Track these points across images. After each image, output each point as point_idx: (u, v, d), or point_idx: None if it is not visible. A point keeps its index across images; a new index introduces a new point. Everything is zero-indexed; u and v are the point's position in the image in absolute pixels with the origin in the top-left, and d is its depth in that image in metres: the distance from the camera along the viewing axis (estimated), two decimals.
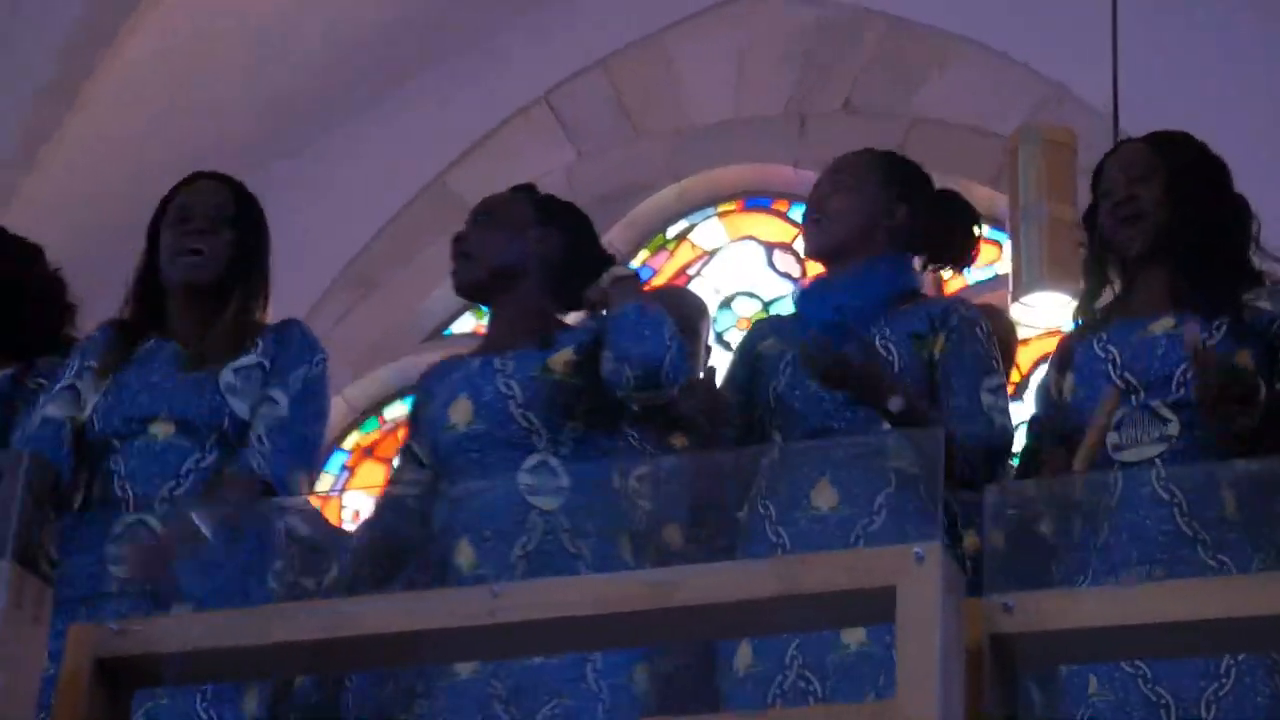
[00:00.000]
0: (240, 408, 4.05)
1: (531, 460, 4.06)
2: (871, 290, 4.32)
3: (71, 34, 8.45)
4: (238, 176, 4.49)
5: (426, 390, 4.28)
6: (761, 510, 4.10)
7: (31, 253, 4.53)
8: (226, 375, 4.05)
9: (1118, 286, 4.32)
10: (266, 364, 4.09)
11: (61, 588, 3.93)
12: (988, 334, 4.35)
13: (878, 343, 4.22)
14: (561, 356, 4.12)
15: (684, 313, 5.18)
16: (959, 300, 4.60)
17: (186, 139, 8.72)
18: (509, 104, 8.96)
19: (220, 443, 3.99)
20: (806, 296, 4.53)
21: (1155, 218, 4.21)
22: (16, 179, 8.58)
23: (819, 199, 4.40)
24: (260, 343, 4.12)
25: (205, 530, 3.80)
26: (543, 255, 4.33)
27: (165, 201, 4.31)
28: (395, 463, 4.46)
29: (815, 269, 8.28)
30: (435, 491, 4.15)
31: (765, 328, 4.57)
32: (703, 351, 5.15)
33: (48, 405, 4.11)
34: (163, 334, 4.14)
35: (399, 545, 4.12)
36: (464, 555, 3.99)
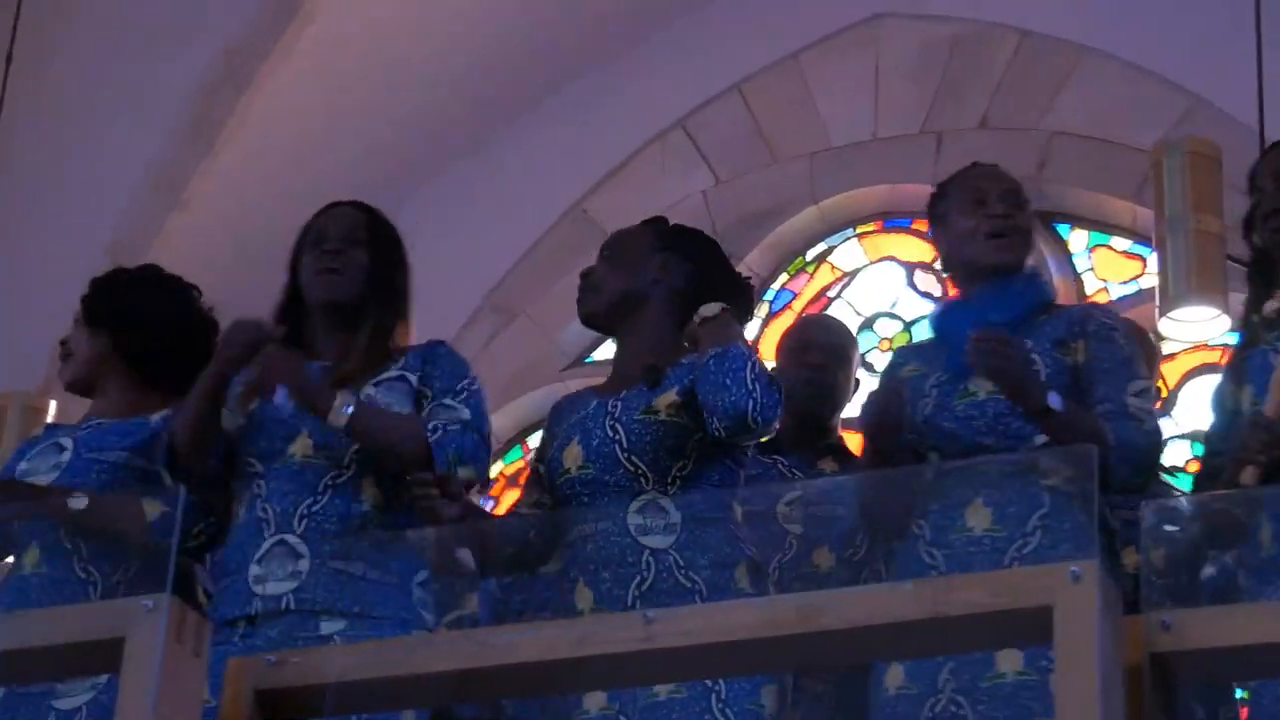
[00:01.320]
0: None
1: (639, 501, 4.04)
2: (1012, 304, 4.28)
3: (214, 70, 8.57)
4: (378, 206, 4.53)
5: (550, 429, 4.28)
6: (915, 531, 4.06)
7: (189, 292, 4.58)
8: (367, 390, 4.06)
9: None
10: (412, 378, 4.09)
11: (209, 611, 4.00)
12: (1128, 338, 4.30)
13: None
14: (666, 398, 4.09)
15: (832, 341, 5.16)
16: (1095, 306, 4.58)
17: (327, 173, 8.80)
18: (646, 130, 8.98)
19: (359, 458, 4.00)
20: (944, 318, 4.47)
21: None
22: (163, 215, 8.70)
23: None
24: (402, 359, 4.14)
25: (468, 563, 3.85)
26: (666, 283, 4.30)
27: (305, 229, 4.36)
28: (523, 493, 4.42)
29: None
30: (555, 531, 4.14)
31: (906, 354, 4.55)
32: (852, 380, 5.13)
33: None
34: (308, 356, 4.17)
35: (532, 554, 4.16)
36: (583, 598, 4.00)
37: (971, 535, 3.99)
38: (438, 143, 9.04)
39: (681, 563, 3.95)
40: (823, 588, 3.95)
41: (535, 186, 8.99)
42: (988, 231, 4.32)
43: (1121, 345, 4.24)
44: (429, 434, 4.00)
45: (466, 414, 4.07)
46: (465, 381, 4.14)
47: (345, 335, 4.16)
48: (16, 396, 6.56)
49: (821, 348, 5.11)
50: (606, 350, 8.89)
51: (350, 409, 3.95)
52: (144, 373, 4.39)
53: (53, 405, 6.53)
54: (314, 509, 3.99)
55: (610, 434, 4.07)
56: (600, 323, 4.38)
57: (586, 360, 8.97)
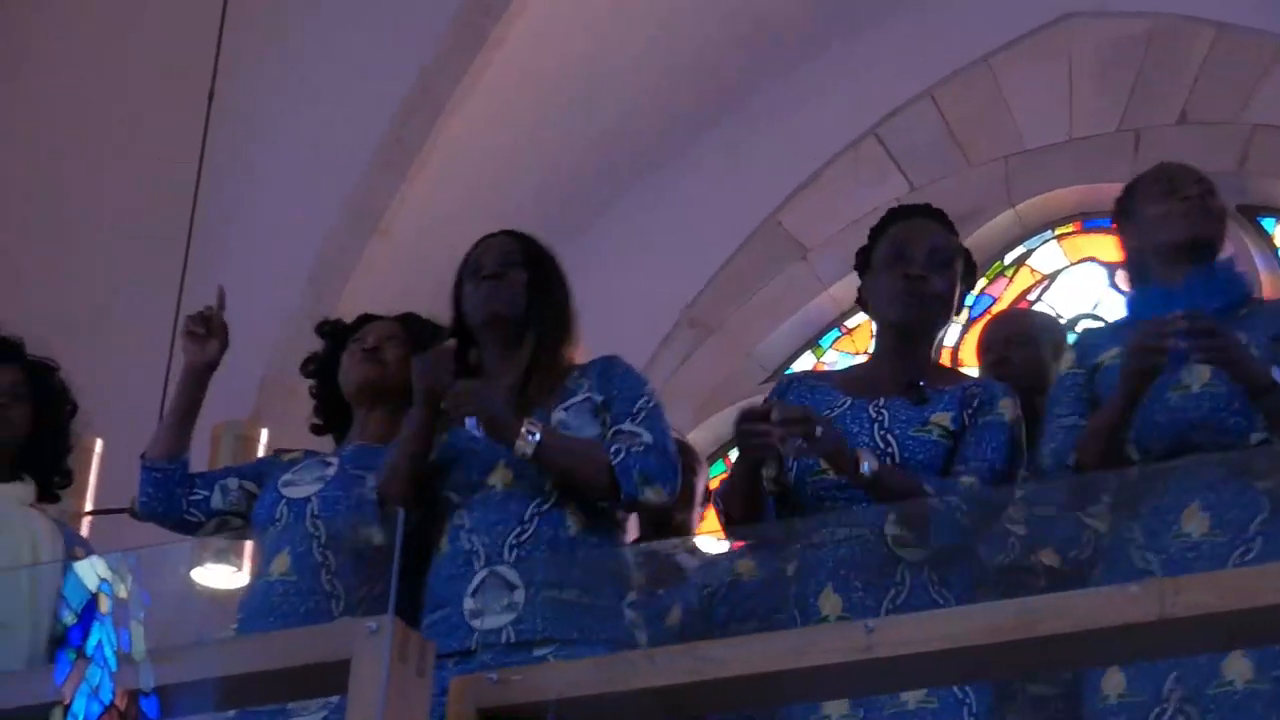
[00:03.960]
0: None
1: (896, 511, 3.99)
2: (1217, 291, 4.15)
3: (408, 97, 8.67)
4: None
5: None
6: (1126, 534, 3.97)
7: (441, 334, 4.64)
8: (558, 414, 4.07)
9: None
10: (596, 399, 4.10)
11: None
12: None
13: None
14: (940, 418, 4.02)
15: (1009, 333, 5.08)
16: None
17: (522, 193, 8.88)
18: (838, 139, 8.95)
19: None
20: (1145, 303, 4.26)
21: None
22: (362, 242, 8.81)
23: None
24: (584, 380, 4.15)
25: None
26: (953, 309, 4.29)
27: (463, 263, 4.40)
28: None
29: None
30: (793, 538, 4.09)
31: (1100, 338, 4.30)
32: (1050, 360, 5.04)
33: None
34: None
35: None
36: (829, 603, 3.91)
37: (1188, 540, 3.90)
38: (630, 160, 9.07)
39: (936, 579, 3.89)
40: (1048, 590, 3.87)
41: (728, 200, 9.00)
42: (1182, 211, 4.21)
43: None
44: (611, 457, 4.01)
45: (648, 436, 4.06)
46: (642, 400, 4.13)
47: (512, 353, 4.19)
48: (229, 426, 6.66)
49: (1001, 341, 5.04)
50: (804, 362, 8.88)
51: (537, 437, 3.97)
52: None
53: (264, 434, 6.63)
54: (523, 538, 4.01)
55: (881, 444, 3.99)
56: (916, 328, 4.24)
57: (786, 373, 8.95)
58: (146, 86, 8.62)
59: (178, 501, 4.46)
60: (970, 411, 4.04)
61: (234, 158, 8.28)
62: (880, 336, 4.28)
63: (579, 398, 4.12)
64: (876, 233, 4.26)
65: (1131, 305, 4.31)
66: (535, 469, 4.03)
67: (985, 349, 5.08)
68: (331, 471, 4.35)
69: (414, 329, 4.61)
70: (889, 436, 4.00)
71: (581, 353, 4.30)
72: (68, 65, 8.75)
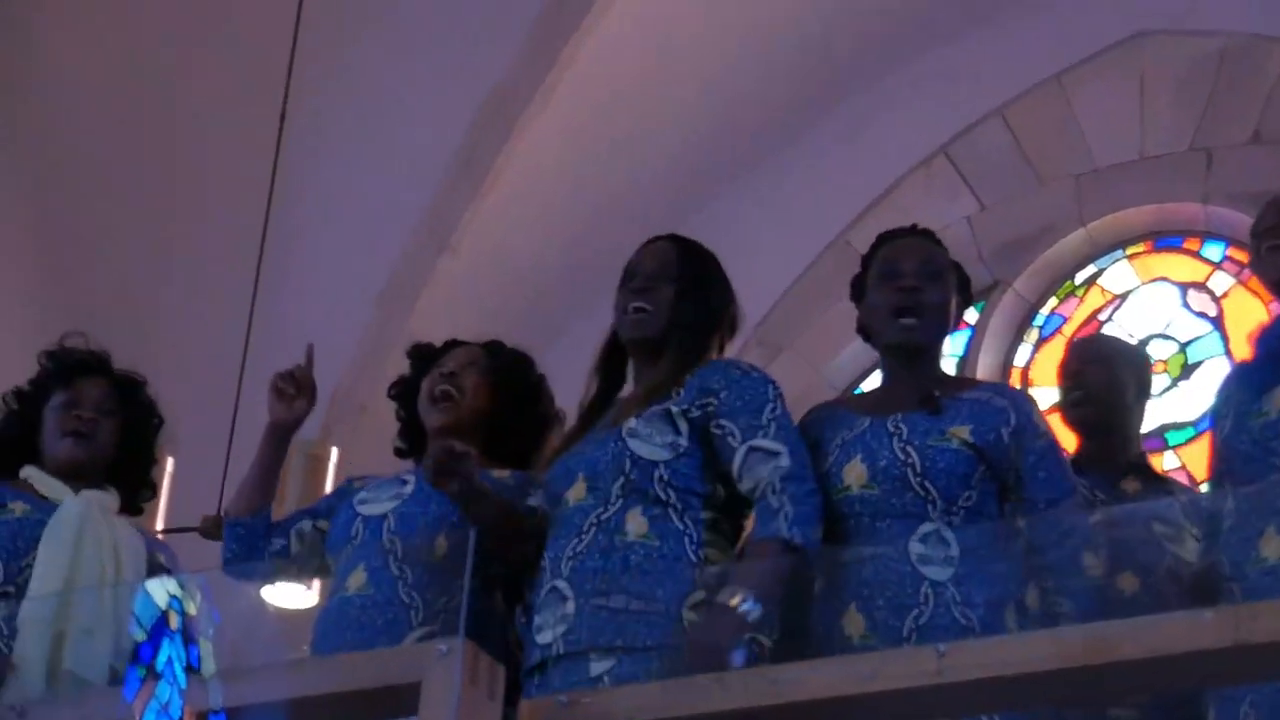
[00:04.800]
0: (642, 448, 4.00)
1: (924, 529, 3.98)
2: None
3: (477, 121, 8.70)
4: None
5: (812, 441, 4.16)
6: (1219, 568, 3.92)
7: (525, 364, 4.65)
8: (631, 422, 4.05)
9: None
10: (676, 408, 4.03)
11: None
12: None
13: None
14: (959, 430, 4.01)
15: (1092, 359, 5.07)
16: None
17: (591, 212, 8.91)
18: (908, 158, 8.94)
19: (625, 491, 3.97)
20: (1270, 336, 4.19)
21: None
22: (433, 260, 8.84)
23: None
24: (682, 390, 4.10)
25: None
26: (955, 319, 4.30)
27: (626, 266, 4.38)
28: None
29: (1236, 308, 8.12)
30: (819, 557, 4.06)
31: (1228, 377, 4.28)
32: (1131, 389, 5.03)
33: (535, 495, 4.25)
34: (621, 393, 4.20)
35: None
36: (853, 624, 3.88)
37: (1265, 566, 3.87)
38: (699, 179, 9.08)
39: (959, 598, 3.87)
40: (1129, 614, 3.83)
41: (797, 219, 8.99)
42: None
43: None
44: (788, 536, 3.83)
45: (785, 458, 3.94)
46: (769, 407, 4.02)
47: (654, 369, 4.17)
48: (299, 445, 6.68)
49: (1075, 360, 5.04)
50: (874, 382, 8.84)
51: (757, 611, 3.85)
52: (495, 448, 4.48)
53: (334, 452, 6.65)
54: (578, 550, 3.99)
55: (901, 456, 3.97)
56: (917, 345, 4.25)
57: (855, 392, 8.93)
58: (219, 107, 8.68)
59: (259, 554, 4.47)
60: (1009, 431, 4.01)
61: (305, 177, 8.32)
62: (885, 360, 4.27)
63: (658, 406, 4.08)
64: (867, 259, 4.27)
65: (1258, 341, 4.27)
66: (608, 476, 4.01)
67: (1064, 364, 5.09)
68: (409, 490, 4.35)
69: (498, 358, 4.60)
70: (909, 449, 3.99)
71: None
72: (141, 87, 8.81)
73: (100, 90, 8.82)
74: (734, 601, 3.70)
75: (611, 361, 4.26)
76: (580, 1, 8.46)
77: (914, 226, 4.35)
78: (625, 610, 3.86)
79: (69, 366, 4.80)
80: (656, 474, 3.98)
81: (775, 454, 3.94)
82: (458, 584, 4.06)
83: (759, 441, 3.95)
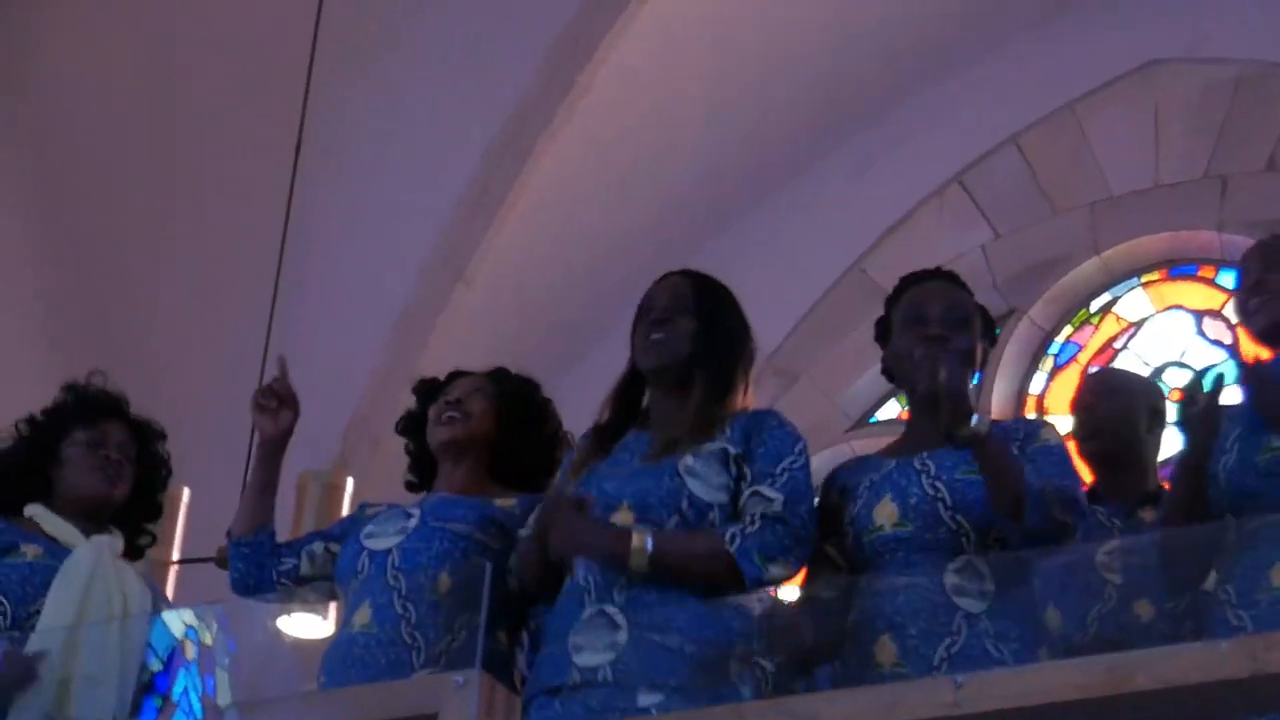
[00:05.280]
0: (700, 489, 4.02)
1: (958, 561, 3.99)
2: None
3: (492, 150, 8.71)
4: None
5: (836, 495, 4.19)
6: (1222, 595, 3.93)
7: (530, 387, 4.65)
8: (686, 459, 4.06)
9: None
10: (732, 450, 4.07)
11: (530, 679, 4.02)
12: None
13: None
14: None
15: (1113, 390, 5.08)
16: None
17: (606, 243, 8.92)
18: (923, 187, 8.94)
19: (680, 525, 4.01)
20: (1259, 370, 4.09)
21: None
22: (449, 289, 8.85)
23: None
24: (729, 429, 4.12)
25: None
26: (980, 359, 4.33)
27: (641, 303, 4.40)
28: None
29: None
30: (854, 591, 4.07)
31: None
32: (1148, 422, 5.04)
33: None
34: (642, 428, 4.19)
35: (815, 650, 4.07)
36: (885, 652, 3.89)
37: (1277, 594, 3.86)
38: (714, 208, 9.09)
39: (993, 632, 3.88)
40: (1145, 640, 3.82)
41: (813, 247, 8.99)
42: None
43: None
44: (728, 544, 3.96)
45: (779, 504, 3.98)
46: (788, 460, 4.06)
47: (677, 402, 4.18)
48: (314, 475, 6.68)
49: (1091, 392, 5.06)
50: (889, 410, 8.85)
51: (650, 547, 3.94)
52: (501, 472, 4.48)
53: (350, 482, 6.65)
54: (634, 579, 3.99)
55: (931, 491, 4.00)
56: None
57: (870, 420, 8.93)
58: (234, 136, 8.69)
59: (268, 573, 4.48)
60: (1017, 445, 4.04)
61: (320, 207, 8.33)
62: (912, 405, 4.29)
63: (714, 445, 4.09)
64: (891, 302, 4.29)
65: (1241, 372, 4.25)
66: (660, 511, 4.02)
67: (1077, 399, 5.10)
68: (413, 524, 4.35)
69: (503, 384, 4.61)
70: (937, 483, 4.01)
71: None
72: (156, 118, 8.83)
73: (113, 123, 8.84)
74: (636, 536, 3.91)
75: (628, 394, 4.27)
76: (595, 32, 8.48)
77: (938, 269, 4.36)
78: (680, 651, 3.88)
79: (93, 405, 4.80)
80: (711, 516, 4.01)
81: (770, 499, 3.98)
82: (460, 621, 4.07)
83: (762, 487, 4.01)
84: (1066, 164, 8.71)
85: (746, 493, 4.01)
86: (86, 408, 4.79)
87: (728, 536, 3.95)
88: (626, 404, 4.28)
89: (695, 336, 4.19)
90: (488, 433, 4.49)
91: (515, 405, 4.56)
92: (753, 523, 3.96)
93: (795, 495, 4.00)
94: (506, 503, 4.36)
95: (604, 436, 4.23)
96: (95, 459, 4.69)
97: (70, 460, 4.71)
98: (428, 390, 4.69)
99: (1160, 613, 4.25)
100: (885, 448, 4.31)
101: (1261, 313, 4.18)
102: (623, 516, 4.03)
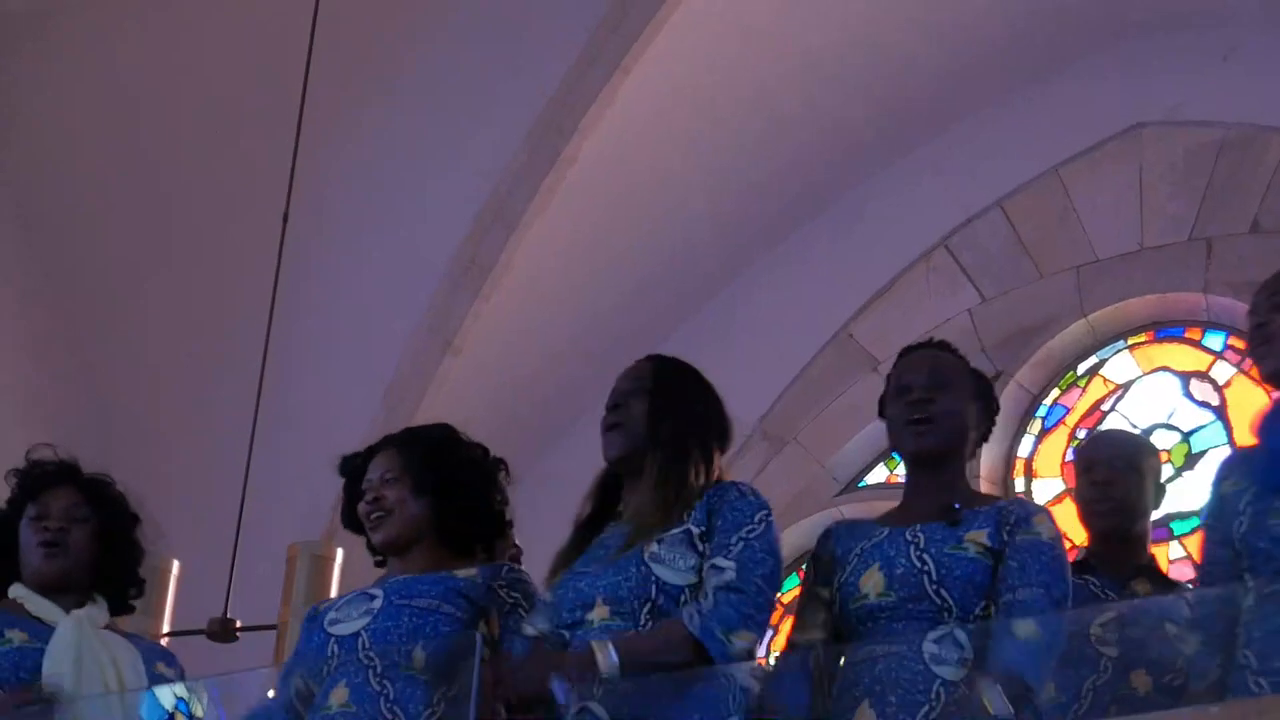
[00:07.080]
0: (668, 574, 4.01)
1: (938, 631, 3.99)
2: None
3: (480, 220, 8.74)
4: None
5: (828, 555, 4.18)
6: (1242, 661, 3.92)
7: (480, 453, 4.60)
8: (652, 546, 4.05)
9: None
10: (695, 530, 4.06)
11: None
12: None
13: None
14: (976, 536, 4.03)
15: (1115, 454, 5.07)
16: None
17: (594, 311, 8.93)
18: (909, 251, 8.97)
19: (654, 615, 3.99)
20: (1272, 427, 4.15)
21: None
22: (437, 359, 8.85)
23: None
24: (696, 509, 4.11)
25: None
26: (981, 431, 4.34)
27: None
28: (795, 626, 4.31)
29: (1239, 397, 8.11)
30: (835, 658, 4.07)
31: (1228, 466, 4.23)
32: (1150, 489, 5.04)
33: (532, 620, 4.20)
34: (618, 518, 4.19)
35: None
36: (864, 719, 3.94)
37: None
38: (702, 275, 9.12)
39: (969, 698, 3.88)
40: (1140, 713, 3.81)
41: (800, 312, 9.01)
42: None
43: None
44: (689, 626, 3.96)
45: (731, 572, 3.98)
46: (745, 530, 4.06)
47: (635, 489, 4.18)
48: (305, 546, 6.66)
49: (1105, 463, 5.06)
50: (878, 475, 8.85)
51: (614, 656, 3.93)
52: (452, 542, 4.43)
53: (339, 554, 6.63)
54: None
55: (918, 564, 4.01)
56: (935, 457, 4.28)
57: (859, 485, 8.93)
58: (221, 209, 8.72)
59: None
60: (1008, 529, 4.04)
61: (308, 278, 8.34)
62: (909, 472, 4.32)
63: (678, 529, 4.09)
64: (889, 376, 4.35)
65: (1261, 430, 4.23)
66: (633, 600, 4.02)
67: (1088, 467, 5.08)
68: (378, 604, 4.29)
69: (412, 453, 4.47)
70: (925, 556, 4.03)
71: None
72: (146, 193, 8.85)
73: (105, 189, 8.86)
74: (599, 649, 3.86)
75: (606, 487, 4.28)
76: (580, 102, 8.52)
77: (930, 340, 4.41)
78: None
79: (34, 479, 4.78)
80: (682, 598, 4.01)
81: (722, 569, 3.98)
82: (439, 694, 4.05)
83: (718, 559, 4.01)
84: (1052, 227, 8.74)
85: (705, 566, 4.02)
86: (30, 483, 4.78)
87: (688, 618, 3.96)
88: (604, 497, 4.29)
89: (647, 420, 4.20)
90: (417, 518, 4.40)
91: (432, 480, 4.44)
92: (708, 597, 3.96)
93: (749, 560, 3.99)
94: (468, 573, 4.31)
95: (584, 531, 4.24)
96: (36, 533, 4.69)
97: (22, 540, 4.72)
98: (351, 471, 4.56)
99: (1158, 686, 4.24)
100: (883, 515, 4.31)
101: (1268, 359, 4.18)
102: (599, 612, 4.04)
